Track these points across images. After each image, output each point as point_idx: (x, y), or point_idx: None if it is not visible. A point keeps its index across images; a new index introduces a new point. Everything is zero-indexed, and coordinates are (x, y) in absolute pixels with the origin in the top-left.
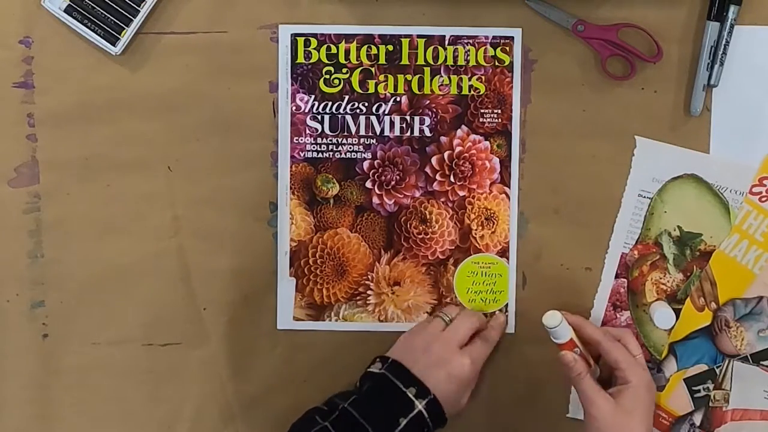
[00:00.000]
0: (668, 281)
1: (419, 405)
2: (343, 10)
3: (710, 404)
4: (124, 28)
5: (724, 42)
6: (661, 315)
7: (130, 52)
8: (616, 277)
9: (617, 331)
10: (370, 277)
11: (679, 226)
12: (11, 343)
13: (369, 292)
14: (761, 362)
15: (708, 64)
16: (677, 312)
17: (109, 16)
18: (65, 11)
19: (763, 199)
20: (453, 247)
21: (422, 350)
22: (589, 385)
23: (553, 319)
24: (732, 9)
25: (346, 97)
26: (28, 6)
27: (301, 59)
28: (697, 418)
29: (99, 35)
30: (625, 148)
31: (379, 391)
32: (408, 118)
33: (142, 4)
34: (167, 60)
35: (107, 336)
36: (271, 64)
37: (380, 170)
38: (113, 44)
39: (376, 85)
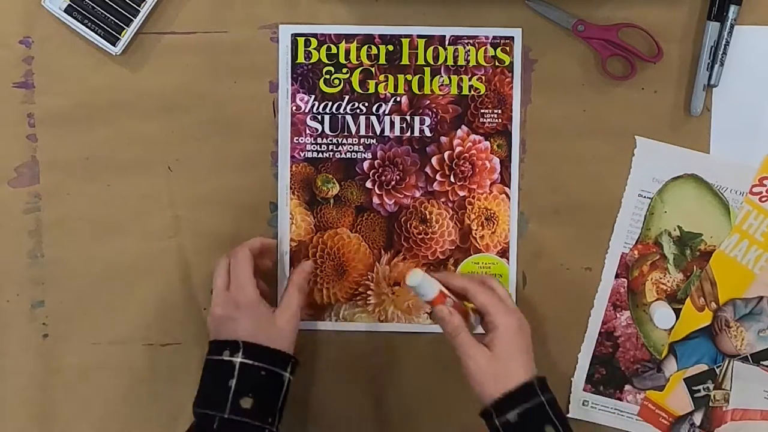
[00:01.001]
0: (668, 281)
1: (238, 358)
2: (343, 9)
3: (710, 404)
4: (124, 28)
5: (724, 42)
6: (661, 315)
7: (130, 52)
8: (616, 277)
9: (483, 276)
10: (370, 277)
11: (679, 226)
12: (11, 343)
13: (369, 292)
14: (761, 362)
15: (708, 64)
16: (677, 312)
17: (109, 16)
18: (65, 11)
19: (764, 199)
20: (453, 248)
21: (216, 329)
22: (465, 339)
23: (414, 277)
24: (732, 9)
25: (347, 97)
26: (28, 6)
27: (301, 59)
28: (697, 418)
29: (99, 35)
30: (625, 148)
31: (207, 374)
32: (408, 118)
33: (142, 4)
34: (167, 60)
35: (107, 336)
36: (271, 64)
37: (380, 170)
38: (113, 44)
39: (377, 85)
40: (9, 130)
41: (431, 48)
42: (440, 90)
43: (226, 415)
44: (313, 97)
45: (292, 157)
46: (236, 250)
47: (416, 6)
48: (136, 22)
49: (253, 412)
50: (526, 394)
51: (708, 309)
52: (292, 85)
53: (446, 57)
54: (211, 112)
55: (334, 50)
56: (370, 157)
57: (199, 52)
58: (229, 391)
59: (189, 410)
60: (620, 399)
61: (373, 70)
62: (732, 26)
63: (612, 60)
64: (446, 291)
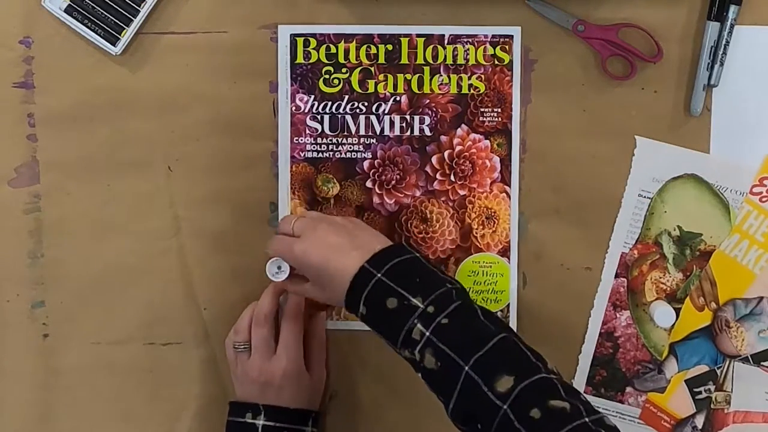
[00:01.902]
0: (668, 281)
1: (260, 421)
2: (343, 9)
3: (712, 406)
4: (124, 28)
5: (724, 42)
6: (662, 313)
7: (130, 52)
8: (616, 276)
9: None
10: None
11: (679, 226)
12: (11, 343)
13: None
14: (762, 363)
15: (708, 64)
16: (677, 312)
17: (109, 16)
18: (65, 11)
19: (764, 199)
20: (454, 247)
21: (249, 393)
22: (297, 288)
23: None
24: (732, 9)
25: (346, 97)
26: (28, 6)
27: (300, 59)
28: (699, 421)
29: (99, 35)
30: (625, 148)
31: None
32: (408, 117)
33: (142, 4)
34: (167, 60)
35: (107, 336)
36: (271, 64)
37: (380, 170)
38: (113, 44)
39: (376, 84)
40: (9, 130)
41: (430, 47)
42: (440, 89)
43: None
44: (312, 97)
45: (292, 157)
46: (292, 313)
47: (415, 5)
48: (136, 22)
49: None
50: (359, 285)
51: (708, 309)
52: (292, 85)
53: (445, 56)
54: (211, 112)
55: (333, 50)
56: (370, 156)
57: (199, 52)
58: None
59: (189, 410)
60: (621, 401)
61: (372, 69)
62: (732, 26)
63: (612, 60)
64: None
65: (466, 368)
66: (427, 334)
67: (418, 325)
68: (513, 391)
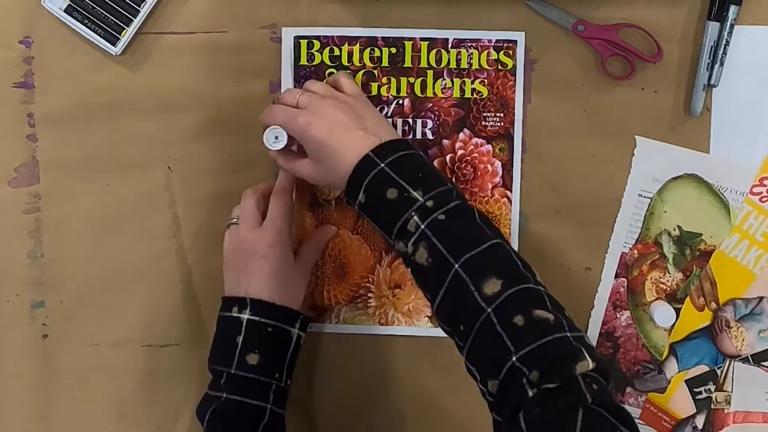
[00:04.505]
0: (668, 280)
1: (245, 315)
2: (343, 10)
3: (712, 406)
4: (124, 28)
5: (724, 42)
6: (661, 313)
7: (130, 52)
8: (616, 276)
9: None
10: (371, 279)
11: (679, 226)
12: (11, 343)
13: (370, 294)
14: (762, 363)
15: (708, 64)
16: (677, 312)
17: (109, 16)
18: (65, 11)
19: (764, 199)
20: None
21: (234, 267)
22: (290, 163)
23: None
24: (732, 9)
25: None
26: (28, 6)
27: (304, 61)
28: (699, 421)
29: (99, 35)
30: (625, 148)
31: (219, 330)
32: (410, 120)
33: (142, 4)
34: (167, 60)
35: (107, 336)
36: (271, 65)
37: None
38: (113, 44)
39: (379, 87)
40: (9, 130)
41: (434, 51)
42: (443, 93)
43: (233, 371)
44: None
45: None
46: (279, 190)
47: (414, 5)
48: (136, 22)
49: (259, 367)
50: (361, 172)
51: (708, 309)
52: (295, 87)
53: (449, 60)
54: (211, 112)
55: (336, 52)
56: None
57: (199, 52)
58: (236, 347)
59: (189, 411)
60: (622, 402)
61: (375, 72)
62: (732, 26)
63: (612, 60)
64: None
65: (456, 266)
66: (422, 227)
67: (415, 218)
68: (500, 295)
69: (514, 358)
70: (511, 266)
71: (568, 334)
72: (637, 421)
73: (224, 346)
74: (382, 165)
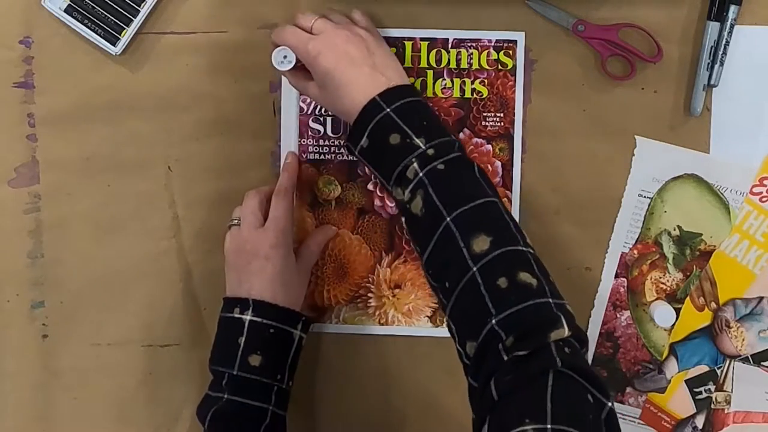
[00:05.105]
0: (668, 280)
1: (247, 316)
2: (343, 10)
3: (712, 406)
4: (124, 28)
5: (724, 42)
6: (661, 313)
7: (130, 52)
8: (616, 276)
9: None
10: (371, 279)
11: (679, 226)
12: (11, 343)
13: (370, 294)
14: (762, 363)
15: (708, 64)
16: (677, 312)
17: (109, 16)
18: (65, 11)
19: (764, 199)
20: None
21: (236, 268)
22: (298, 82)
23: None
24: (732, 9)
25: None
26: (28, 6)
27: None
28: (699, 421)
29: (99, 35)
30: (625, 148)
31: (220, 331)
32: None
33: (142, 4)
34: (167, 60)
35: (107, 337)
36: (271, 64)
37: None
38: (113, 44)
39: None
40: (9, 130)
41: (434, 51)
42: (443, 93)
43: (235, 372)
44: None
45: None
46: (281, 191)
47: (413, 5)
48: (136, 22)
49: (261, 369)
50: (367, 116)
51: (708, 309)
52: None
53: (449, 60)
54: (211, 112)
55: None
56: None
57: (199, 52)
58: (238, 348)
59: (189, 411)
60: (622, 402)
61: None
62: (732, 26)
63: (612, 60)
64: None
65: (448, 219)
66: (421, 174)
67: (415, 164)
68: (487, 255)
69: (493, 321)
70: (502, 226)
71: (551, 300)
72: (637, 421)
73: (226, 347)
74: (388, 110)
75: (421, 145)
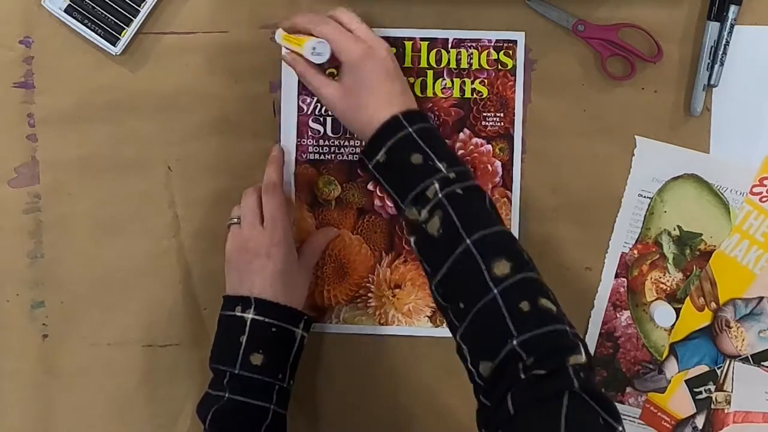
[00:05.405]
0: (668, 280)
1: (249, 314)
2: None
3: (712, 406)
4: (124, 28)
5: (724, 42)
6: (662, 313)
7: (130, 52)
8: (616, 276)
9: (334, 11)
10: (371, 279)
11: (679, 226)
12: (11, 343)
13: (370, 294)
14: (762, 363)
15: (708, 64)
16: (677, 312)
17: (109, 16)
18: (65, 11)
19: (764, 199)
20: None
21: (238, 267)
22: (314, 77)
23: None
24: (732, 9)
25: None
26: (28, 6)
27: None
28: (699, 421)
29: (99, 35)
30: (625, 148)
31: (220, 329)
32: None
33: (142, 4)
34: (167, 60)
35: (107, 337)
36: (272, 64)
37: None
38: (113, 44)
39: None
40: (9, 130)
41: (434, 51)
42: (443, 93)
43: (237, 371)
44: (315, 99)
45: (294, 159)
46: (270, 187)
47: (413, 5)
48: (136, 22)
49: (263, 368)
50: (388, 131)
51: (708, 309)
52: (297, 87)
53: (449, 60)
54: (211, 112)
55: None
56: None
57: (199, 52)
58: (240, 346)
59: (189, 411)
60: (622, 402)
61: None
62: (732, 26)
63: (612, 60)
64: (293, 38)
65: (468, 241)
66: (440, 195)
67: (436, 185)
68: (507, 279)
69: (515, 342)
70: (519, 253)
71: (567, 328)
72: (637, 421)
73: (227, 345)
74: (410, 129)
75: (443, 168)
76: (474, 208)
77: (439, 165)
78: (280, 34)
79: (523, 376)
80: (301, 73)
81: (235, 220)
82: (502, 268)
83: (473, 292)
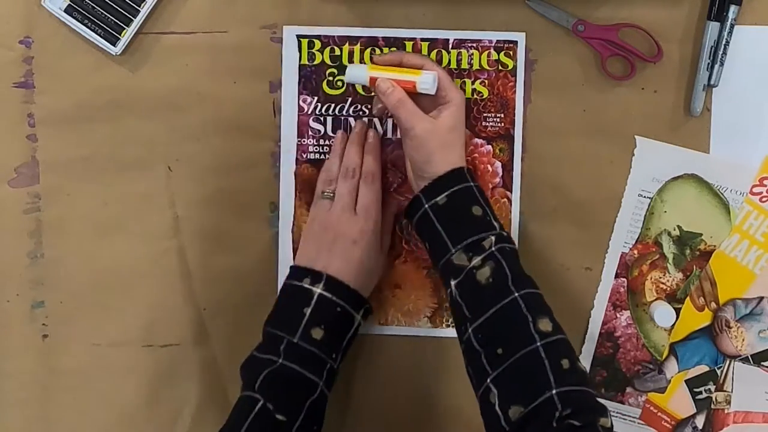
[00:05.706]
0: (668, 280)
1: (318, 289)
2: (344, 10)
3: (712, 406)
4: (124, 28)
5: (724, 42)
6: (662, 313)
7: (130, 52)
8: (616, 276)
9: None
10: None
11: (679, 226)
12: (11, 343)
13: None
14: (762, 363)
15: (708, 64)
16: (677, 312)
17: (109, 16)
18: (65, 11)
19: (764, 199)
20: None
21: (318, 239)
22: (413, 108)
23: (350, 70)
24: (732, 9)
25: (349, 99)
26: (28, 6)
27: (304, 61)
28: (700, 421)
29: (99, 35)
30: (625, 148)
31: (284, 296)
32: None
33: (142, 4)
34: (167, 60)
35: (107, 337)
36: (272, 65)
37: (382, 173)
38: (113, 44)
39: None
40: (9, 130)
41: (434, 51)
42: None
43: (296, 340)
44: (316, 98)
45: (294, 158)
46: (369, 178)
47: (413, 5)
48: (136, 22)
49: (322, 343)
50: (457, 178)
51: (708, 309)
52: (298, 87)
53: (449, 60)
54: (211, 112)
55: (337, 52)
56: None
57: (199, 52)
58: (303, 317)
59: (189, 411)
60: (622, 402)
61: None
62: (732, 26)
63: (612, 60)
64: (383, 74)
65: (516, 294)
66: (494, 248)
67: (492, 238)
68: (550, 336)
69: (553, 392)
70: (556, 318)
71: (594, 392)
72: (637, 421)
73: (288, 313)
74: (472, 184)
75: (497, 226)
76: (519, 268)
77: (495, 223)
78: (361, 68)
79: (555, 425)
80: (398, 102)
81: (330, 194)
82: (545, 324)
83: (516, 340)
